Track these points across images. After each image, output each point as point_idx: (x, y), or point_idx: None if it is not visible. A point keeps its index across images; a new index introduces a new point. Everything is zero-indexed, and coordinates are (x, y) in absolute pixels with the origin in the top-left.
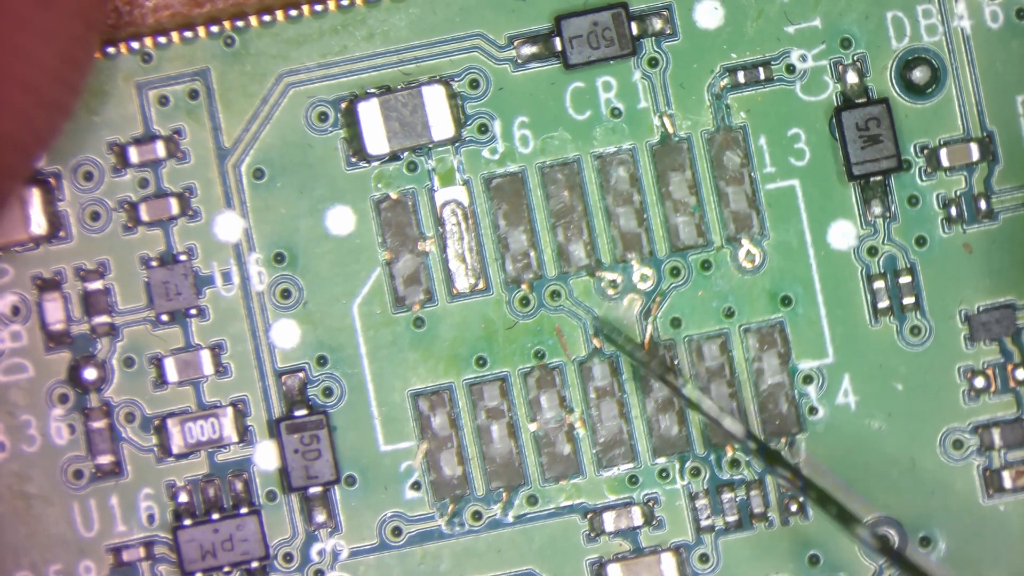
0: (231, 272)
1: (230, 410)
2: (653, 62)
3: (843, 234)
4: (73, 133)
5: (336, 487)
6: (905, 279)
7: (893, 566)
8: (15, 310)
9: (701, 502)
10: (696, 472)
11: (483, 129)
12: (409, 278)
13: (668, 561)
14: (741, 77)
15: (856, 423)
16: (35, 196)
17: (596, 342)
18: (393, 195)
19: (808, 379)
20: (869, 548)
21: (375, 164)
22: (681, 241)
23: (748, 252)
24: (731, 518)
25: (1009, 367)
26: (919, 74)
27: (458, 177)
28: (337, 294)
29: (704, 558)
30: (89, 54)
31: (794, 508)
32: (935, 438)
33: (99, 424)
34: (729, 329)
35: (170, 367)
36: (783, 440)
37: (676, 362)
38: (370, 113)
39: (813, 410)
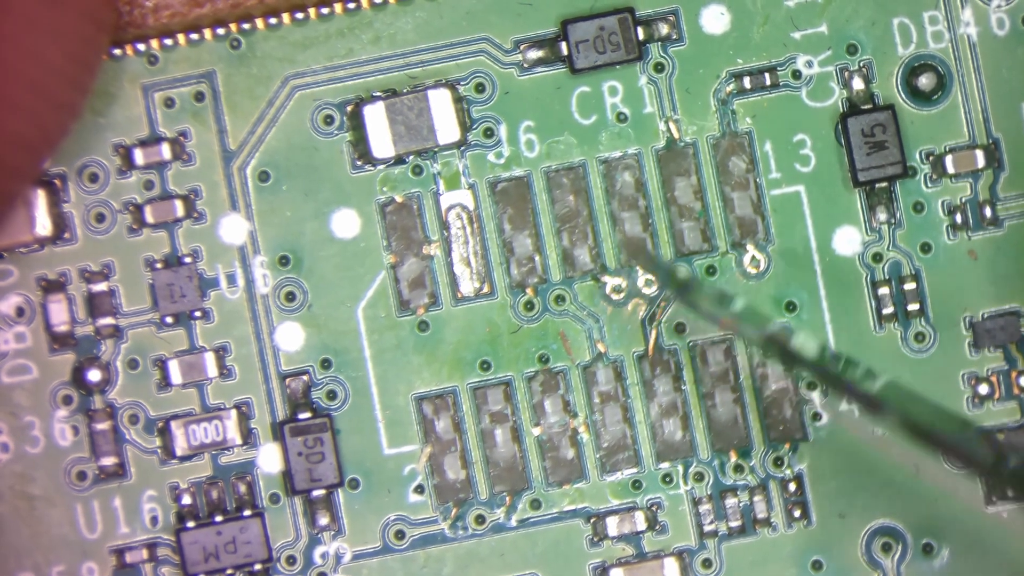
0: (236, 274)
1: (234, 412)
2: (659, 67)
3: (848, 240)
4: (79, 135)
5: (339, 490)
6: (910, 285)
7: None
8: (19, 311)
9: (704, 507)
10: (700, 477)
11: (489, 133)
12: (414, 282)
13: (671, 566)
14: (747, 83)
15: (860, 429)
16: (40, 197)
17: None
18: (398, 198)
19: (812, 385)
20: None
21: (380, 167)
22: (686, 246)
23: (753, 258)
24: (734, 523)
25: (1013, 374)
26: (925, 81)
27: (463, 181)
28: (342, 297)
29: (707, 563)
30: (98, 54)
31: (798, 514)
32: None
33: (103, 426)
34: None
35: (174, 369)
36: (786, 446)
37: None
38: (376, 116)
39: (817, 416)
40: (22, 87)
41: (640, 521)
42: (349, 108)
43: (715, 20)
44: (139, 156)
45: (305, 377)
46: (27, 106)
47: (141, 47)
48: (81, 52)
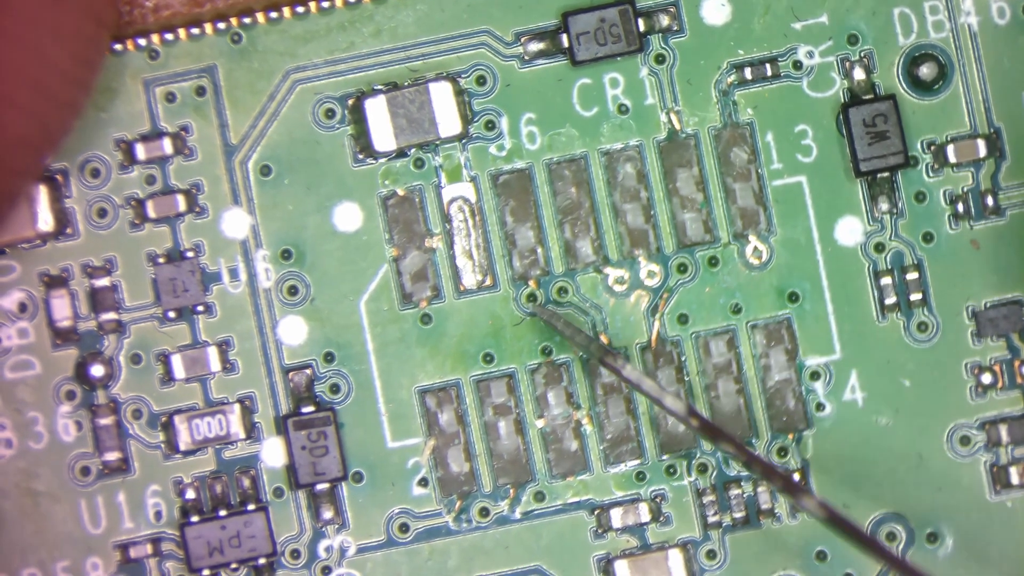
0: (238, 269)
1: (237, 407)
2: (660, 58)
3: (850, 230)
4: (80, 130)
5: (343, 484)
6: (912, 275)
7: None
8: (22, 307)
9: (708, 498)
10: (703, 468)
11: (490, 126)
12: (416, 275)
13: (675, 557)
14: (748, 73)
15: (863, 419)
16: (42, 193)
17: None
18: (400, 192)
19: (815, 375)
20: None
21: (382, 161)
22: (688, 237)
23: (755, 248)
24: (738, 514)
25: (1016, 363)
26: (926, 70)
27: (465, 174)
28: (344, 291)
29: (711, 554)
30: (100, 53)
31: None
32: (942, 434)
33: (106, 421)
34: (736, 325)
35: (177, 364)
36: (790, 437)
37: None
38: (377, 110)
39: (820, 406)
40: (24, 86)
41: (644, 513)
42: (350, 101)
43: (716, 11)
44: (141, 151)
45: (308, 371)
46: (29, 105)
47: (142, 42)
48: (83, 51)
